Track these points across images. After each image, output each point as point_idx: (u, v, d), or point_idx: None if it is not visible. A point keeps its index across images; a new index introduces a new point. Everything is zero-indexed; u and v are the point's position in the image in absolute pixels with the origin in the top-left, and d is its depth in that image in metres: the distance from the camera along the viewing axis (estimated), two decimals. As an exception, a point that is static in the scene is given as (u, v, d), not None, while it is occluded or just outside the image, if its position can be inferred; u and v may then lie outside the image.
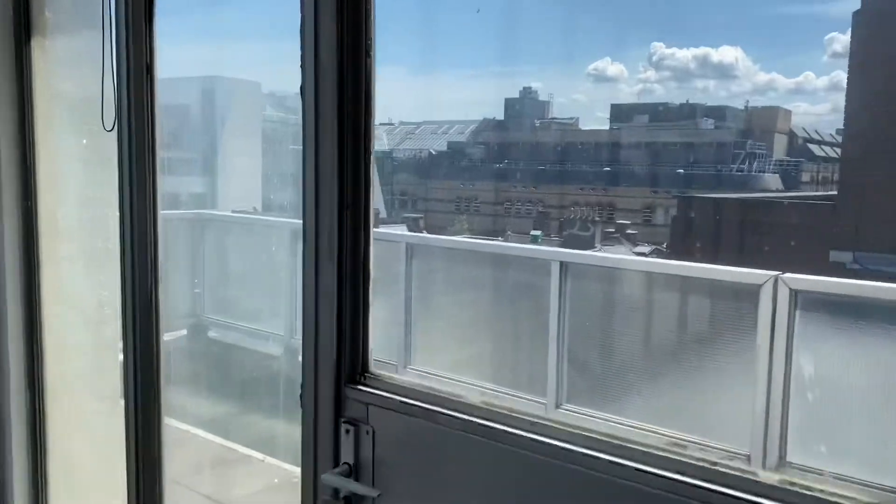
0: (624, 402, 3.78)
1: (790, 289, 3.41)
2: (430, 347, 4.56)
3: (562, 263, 3.97)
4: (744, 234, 9.72)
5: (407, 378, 1.81)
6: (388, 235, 5.00)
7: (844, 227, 8.78)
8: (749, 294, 3.47)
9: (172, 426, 4.77)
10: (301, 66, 1.77)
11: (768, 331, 3.38)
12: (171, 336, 6.12)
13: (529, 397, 4.14)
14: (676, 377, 3.72)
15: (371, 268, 1.76)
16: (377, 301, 1.76)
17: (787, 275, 3.47)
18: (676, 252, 10.36)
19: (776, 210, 9.59)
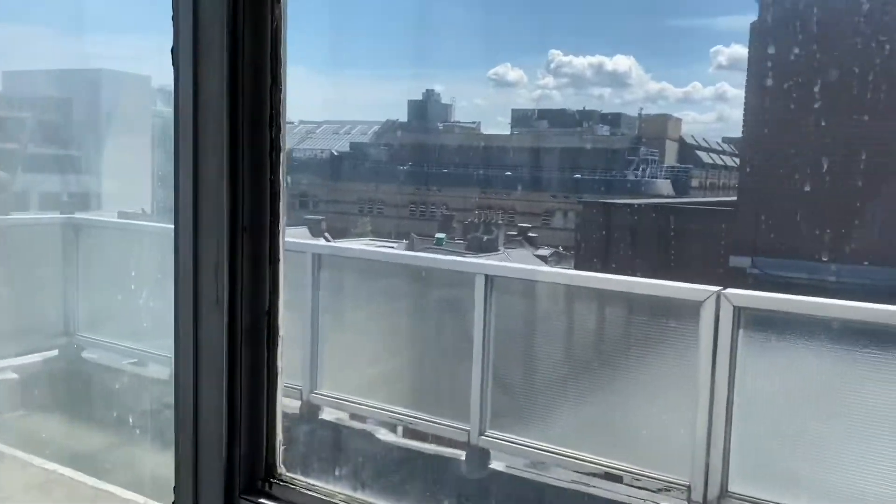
0: (556, 427, 3.47)
1: (734, 306, 3.19)
2: (341, 368, 4.10)
3: (487, 277, 3.61)
4: (645, 239, 9.74)
5: (321, 488, 1.21)
6: (290, 245, 4.50)
7: (743, 232, 8.97)
8: (689, 310, 3.23)
9: (36, 465, 4.09)
10: (172, 20, 1.23)
11: (710, 351, 3.16)
12: (36, 358, 5.38)
13: (451, 423, 3.77)
14: (612, 399, 3.43)
15: (280, 317, 1.28)
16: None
17: (730, 291, 3.25)
18: (578, 256, 10.30)
19: (676, 215, 9.66)
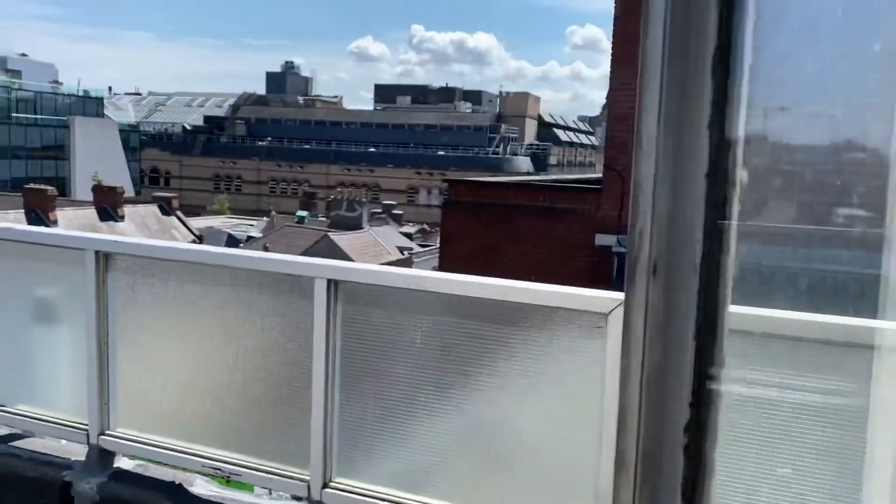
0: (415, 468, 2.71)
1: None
2: (138, 400, 3.11)
3: (330, 282, 2.76)
4: (512, 218, 9.21)
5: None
6: (62, 239, 3.41)
7: (608, 211, 8.64)
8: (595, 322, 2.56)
9: None
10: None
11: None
12: None
13: (285, 469, 2.92)
14: (488, 430, 2.72)
15: None
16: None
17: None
18: (444, 233, 9.64)
19: (543, 193, 9.18)
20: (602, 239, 8.59)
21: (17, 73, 72.49)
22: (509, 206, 8.99)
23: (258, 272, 2.99)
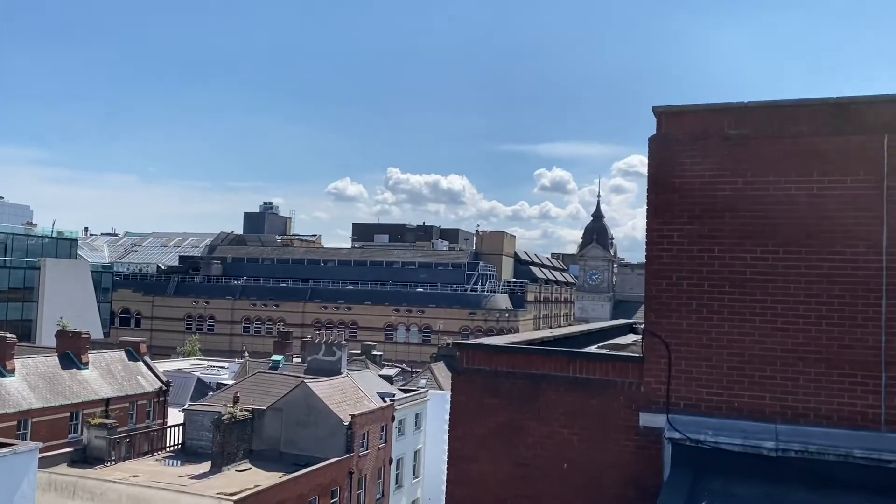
0: None
1: None
2: None
3: None
4: (535, 390, 7.78)
5: None
6: None
7: (653, 384, 7.23)
8: None
9: None
10: None
11: None
12: None
13: None
14: None
15: None
16: None
17: None
18: (455, 409, 8.13)
19: (575, 362, 7.73)
20: (648, 419, 7.21)
21: (-11, 215, 71.60)
22: (533, 375, 7.64)
23: None
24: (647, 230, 7.27)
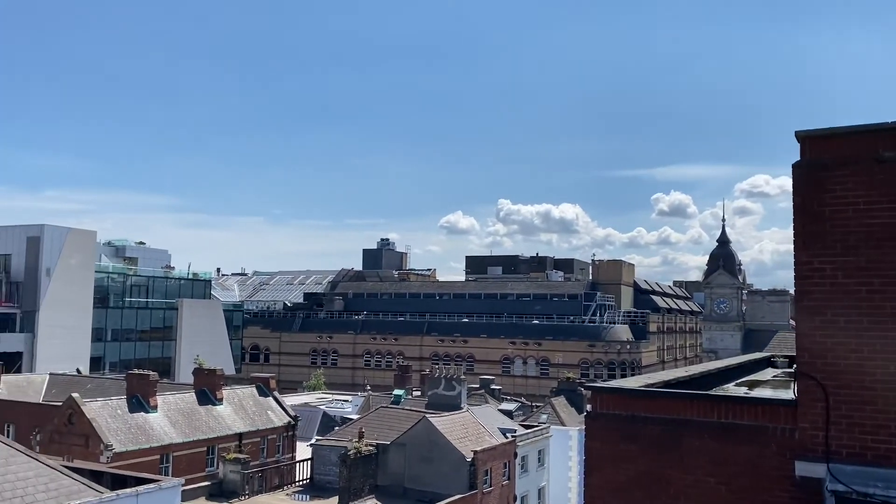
0: None
1: None
2: None
3: None
4: (678, 437, 7.32)
5: None
6: None
7: (809, 431, 6.63)
8: None
9: None
10: None
11: None
12: None
13: None
14: None
15: None
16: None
17: None
18: (590, 457, 7.79)
19: (720, 406, 7.23)
20: (805, 468, 6.61)
21: (133, 261, 77.50)
22: (674, 421, 7.21)
23: None
24: (796, 263, 6.74)
